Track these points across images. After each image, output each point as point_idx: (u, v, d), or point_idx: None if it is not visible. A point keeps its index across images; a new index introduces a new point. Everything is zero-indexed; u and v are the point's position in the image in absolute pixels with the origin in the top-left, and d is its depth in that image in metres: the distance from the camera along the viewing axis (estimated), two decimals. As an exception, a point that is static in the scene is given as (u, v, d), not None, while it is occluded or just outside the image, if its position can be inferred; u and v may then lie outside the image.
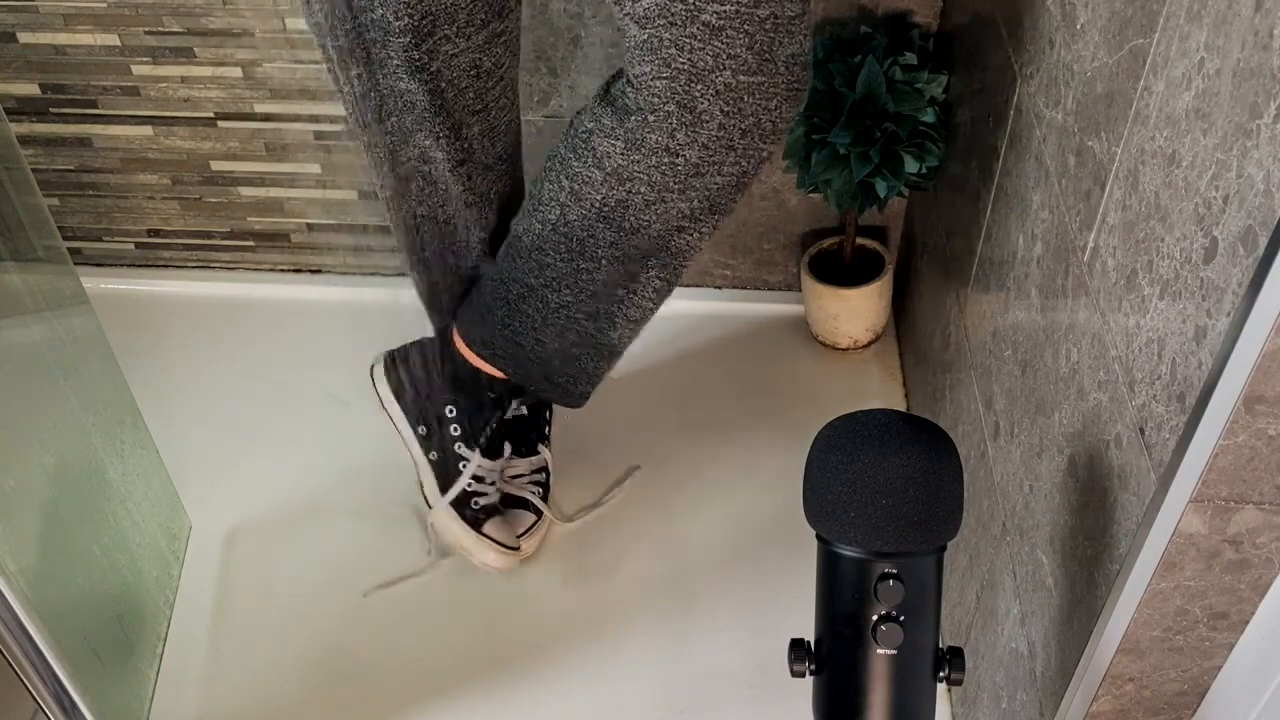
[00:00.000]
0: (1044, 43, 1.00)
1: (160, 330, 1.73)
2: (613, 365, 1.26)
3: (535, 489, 1.45)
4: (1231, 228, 0.63)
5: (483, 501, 1.39)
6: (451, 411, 1.33)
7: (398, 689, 1.33)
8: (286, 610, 1.40)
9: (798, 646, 0.78)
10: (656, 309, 1.20)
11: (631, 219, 1.08)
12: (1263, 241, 0.59)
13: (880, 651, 0.74)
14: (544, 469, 1.47)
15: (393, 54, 1.06)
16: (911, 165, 1.38)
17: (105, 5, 1.53)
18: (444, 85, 1.09)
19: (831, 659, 0.76)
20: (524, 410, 1.46)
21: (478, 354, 1.29)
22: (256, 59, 1.57)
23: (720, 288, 1.76)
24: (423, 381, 1.33)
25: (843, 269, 1.64)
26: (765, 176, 1.62)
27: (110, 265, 1.82)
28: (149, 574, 1.36)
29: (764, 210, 1.66)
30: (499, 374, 1.29)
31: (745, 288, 1.76)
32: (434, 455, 1.37)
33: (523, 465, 1.45)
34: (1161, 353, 0.72)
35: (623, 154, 1.04)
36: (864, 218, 1.65)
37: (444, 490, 1.38)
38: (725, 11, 0.91)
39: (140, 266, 1.82)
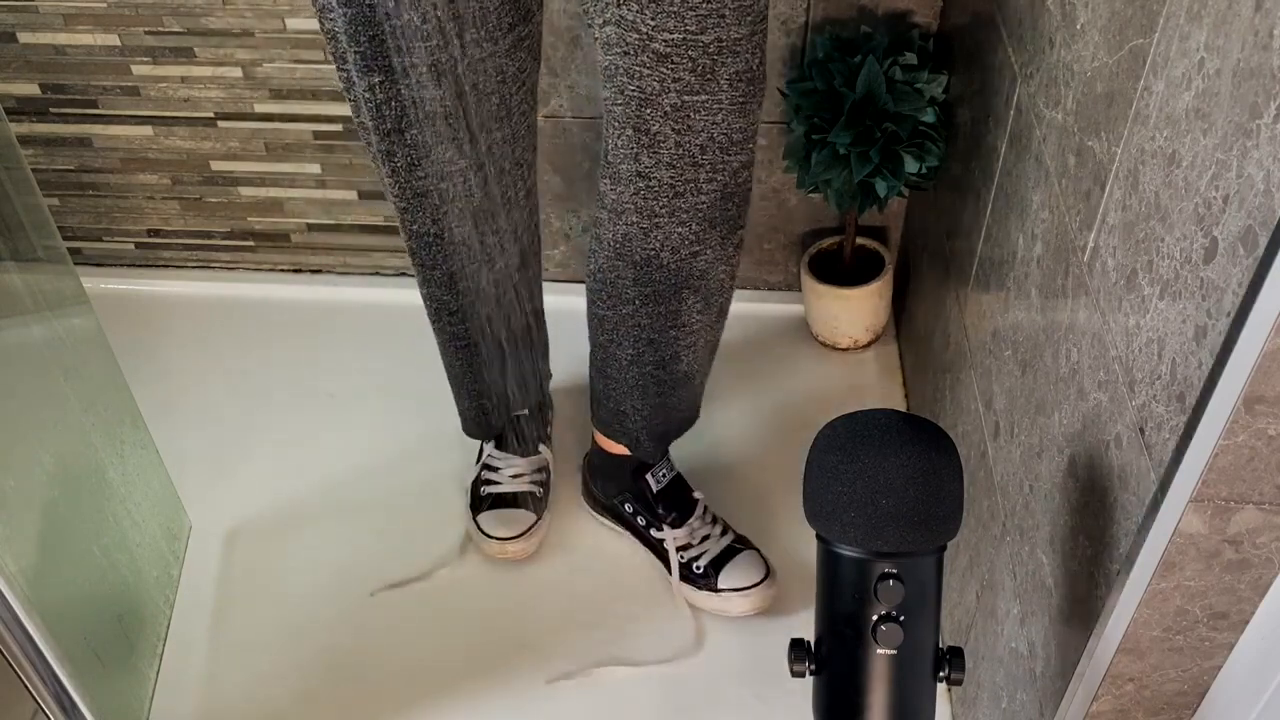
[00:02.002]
0: (1044, 43, 1.00)
1: (160, 330, 1.73)
2: (698, 395, 1.39)
3: (536, 488, 1.45)
4: (1231, 228, 0.63)
5: (488, 490, 1.45)
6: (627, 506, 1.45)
7: (398, 689, 1.33)
8: (286, 610, 1.40)
9: (798, 646, 0.78)
10: (717, 336, 1.31)
11: (639, 251, 1.15)
12: (1263, 241, 0.59)
13: (880, 651, 0.74)
14: (545, 468, 1.48)
15: (418, 60, 1.04)
16: (911, 165, 1.38)
17: (105, 5, 1.53)
18: (467, 90, 1.08)
19: (831, 659, 0.76)
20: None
21: (604, 434, 1.41)
22: (256, 59, 1.57)
23: (720, 288, 1.76)
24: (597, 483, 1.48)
25: (843, 269, 1.64)
26: (765, 176, 1.62)
27: (110, 265, 1.82)
28: (149, 574, 1.35)
29: (764, 210, 1.66)
30: (621, 450, 1.41)
31: (745, 288, 1.76)
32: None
33: (524, 464, 1.46)
34: (1161, 353, 0.72)
35: (610, 188, 1.13)
36: (864, 218, 1.65)
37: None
38: (673, 40, 0.98)
39: (140, 266, 1.82)
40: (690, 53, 0.99)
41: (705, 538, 1.40)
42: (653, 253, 1.15)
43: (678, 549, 1.40)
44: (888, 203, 1.44)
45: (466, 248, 1.22)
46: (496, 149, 1.14)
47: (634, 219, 1.13)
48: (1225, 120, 0.64)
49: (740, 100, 1.03)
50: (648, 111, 1.03)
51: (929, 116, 1.38)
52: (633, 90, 1.02)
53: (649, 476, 1.41)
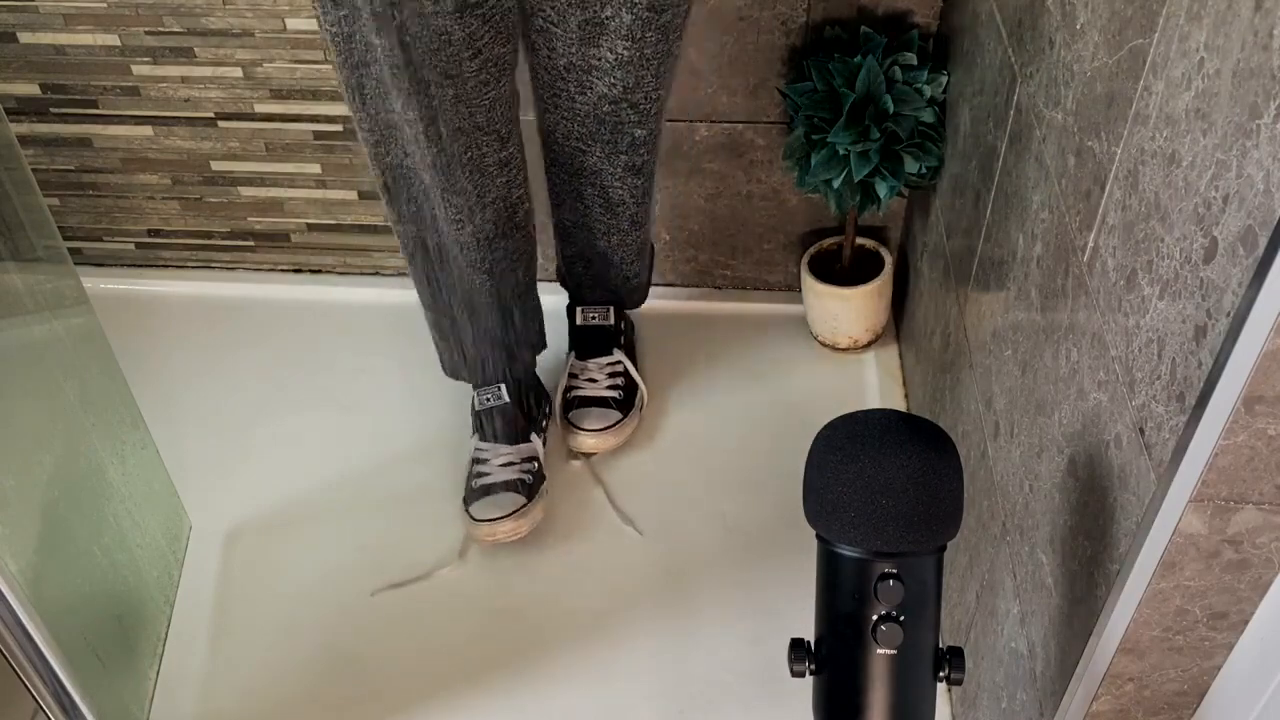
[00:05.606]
0: (1044, 43, 1.00)
1: (160, 330, 1.73)
2: (627, 281, 1.54)
3: (526, 475, 1.45)
4: (1231, 228, 0.63)
5: (479, 482, 1.45)
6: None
7: (398, 689, 1.33)
8: (286, 610, 1.40)
9: (798, 646, 0.78)
10: (635, 243, 1.47)
11: (545, 120, 1.36)
12: (1263, 241, 0.59)
13: (880, 651, 0.74)
14: (534, 457, 1.47)
15: (361, 5, 1.11)
16: (911, 165, 1.38)
17: (105, 5, 1.53)
18: (411, 41, 1.13)
19: (831, 659, 0.76)
20: (506, 397, 1.48)
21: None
22: (256, 59, 1.57)
23: (720, 288, 1.76)
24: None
25: (842, 269, 1.64)
26: (765, 176, 1.62)
27: (110, 265, 1.82)
28: (149, 574, 1.36)
29: (764, 210, 1.66)
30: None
31: (745, 288, 1.76)
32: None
33: (512, 452, 1.46)
34: (1161, 353, 0.72)
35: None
36: (864, 218, 1.65)
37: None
38: None
39: (140, 266, 1.82)
40: None
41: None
42: (551, 128, 1.36)
43: (568, 375, 1.55)
44: (887, 203, 1.44)
45: (427, 197, 1.28)
46: (447, 107, 1.19)
47: (538, 93, 1.33)
48: (1225, 120, 0.64)
49: (588, 36, 1.22)
50: (529, 21, 1.23)
51: (929, 116, 1.38)
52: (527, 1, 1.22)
53: (577, 309, 1.55)
